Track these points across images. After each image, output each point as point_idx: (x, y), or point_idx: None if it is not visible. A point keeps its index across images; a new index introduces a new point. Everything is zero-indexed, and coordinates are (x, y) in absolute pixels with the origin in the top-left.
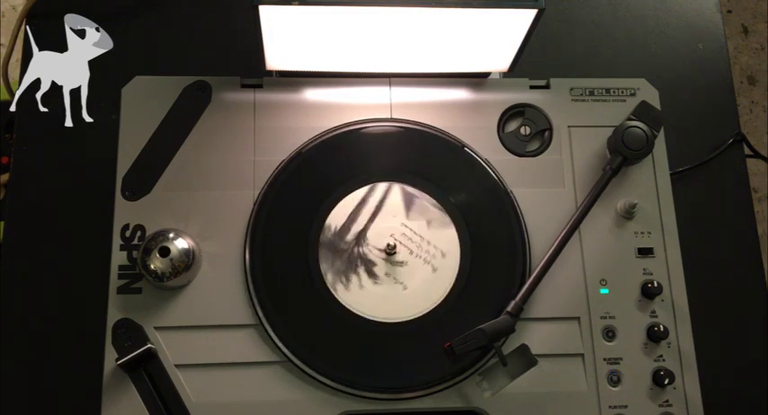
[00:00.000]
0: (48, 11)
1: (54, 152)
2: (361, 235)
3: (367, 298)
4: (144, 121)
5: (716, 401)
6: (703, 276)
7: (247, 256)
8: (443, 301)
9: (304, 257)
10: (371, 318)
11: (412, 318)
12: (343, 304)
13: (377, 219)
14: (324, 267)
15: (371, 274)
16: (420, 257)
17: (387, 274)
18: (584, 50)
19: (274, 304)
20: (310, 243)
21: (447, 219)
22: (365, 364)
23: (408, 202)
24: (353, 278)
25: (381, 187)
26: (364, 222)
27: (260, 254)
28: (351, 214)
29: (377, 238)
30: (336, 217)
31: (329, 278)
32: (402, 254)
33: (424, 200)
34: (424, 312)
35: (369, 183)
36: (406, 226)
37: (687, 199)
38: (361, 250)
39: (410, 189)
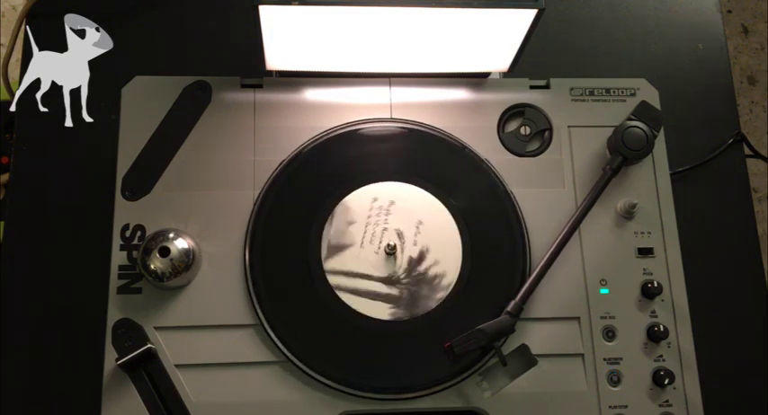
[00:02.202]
0: (48, 11)
1: (54, 152)
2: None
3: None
4: (144, 121)
5: (716, 401)
6: (703, 276)
7: (247, 256)
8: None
9: (304, 257)
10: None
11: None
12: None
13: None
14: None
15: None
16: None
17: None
18: (585, 50)
19: (274, 304)
20: (310, 243)
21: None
22: (365, 364)
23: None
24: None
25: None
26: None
27: (260, 254)
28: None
29: (377, 238)
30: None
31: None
32: (402, 254)
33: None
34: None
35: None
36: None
37: (687, 199)
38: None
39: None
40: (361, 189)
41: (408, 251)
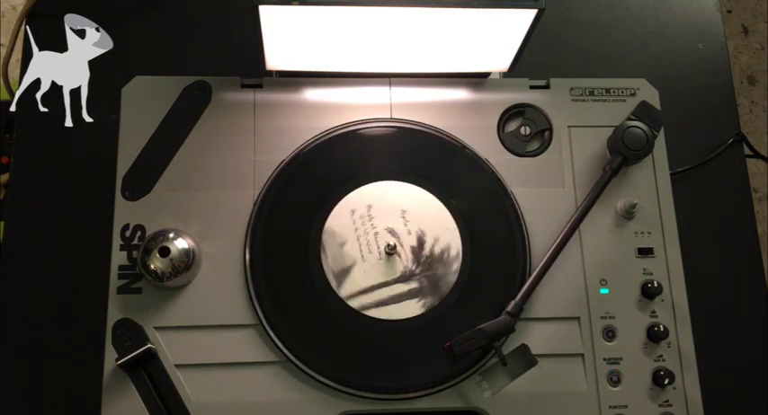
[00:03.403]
0: (48, 11)
1: (54, 152)
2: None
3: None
4: (144, 121)
5: (716, 401)
6: (703, 276)
7: (247, 256)
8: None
9: (304, 257)
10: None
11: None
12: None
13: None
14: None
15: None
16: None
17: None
18: (585, 50)
19: (274, 304)
20: (310, 243)
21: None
22: (365, 364)
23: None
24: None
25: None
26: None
27: (260, 254)
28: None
29: (377, 238)
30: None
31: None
32: (401, 254)
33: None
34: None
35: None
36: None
37: (687, 199)
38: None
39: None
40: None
41: (408, 242)
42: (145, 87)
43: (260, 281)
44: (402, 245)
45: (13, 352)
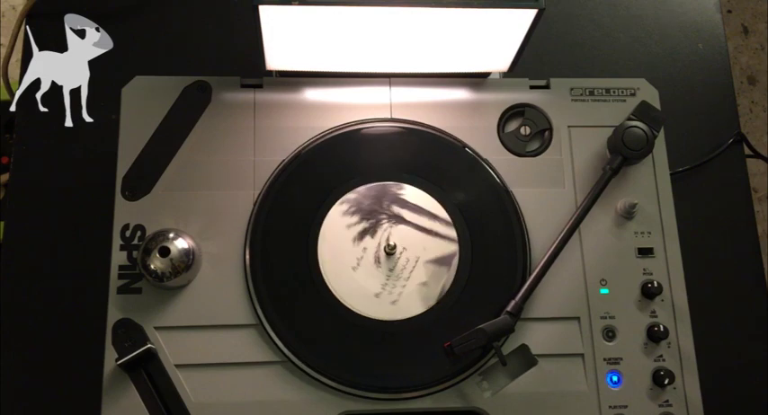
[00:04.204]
0: (48, 11)
1: (54, 152)
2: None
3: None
4: (144, 121)
5: (716, 401)
6: (703, 276)
7: (247, 256)
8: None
9: (304, 257)
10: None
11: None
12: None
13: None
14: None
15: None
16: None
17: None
18: (584, 50)
19: (274, 303)
20: (310, 243)
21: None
22: (365, 364)
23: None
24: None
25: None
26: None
27: (260, 254)
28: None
29: (377, 238)
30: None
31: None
32: (401, 254)
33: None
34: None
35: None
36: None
37: (687, 199)
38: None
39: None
40: (361, 187)
41: (407, 242)
42: (145, 87)
43: (260, 281)
44: (402, 245)
45: (12, 352)
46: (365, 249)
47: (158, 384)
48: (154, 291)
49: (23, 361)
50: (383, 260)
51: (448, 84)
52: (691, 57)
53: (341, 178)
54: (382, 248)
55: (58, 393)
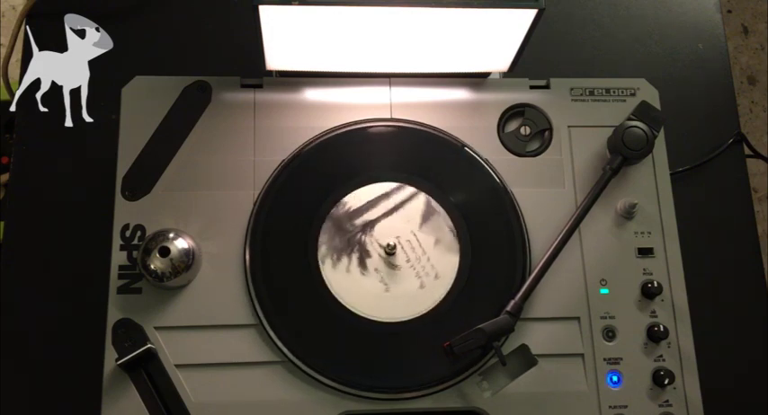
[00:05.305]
0: (48, 11)
1: (54, 152)
2: (362, 235)
3: (367, 298)
4: (144, 121)
5: (716, 401)
6: (703, 276)
7: (247, 256)
8: (443, 301)
9: (304, 257)
10: (371, 318)
11: (412, 318)
12: (344, 304)
13: (378, 219)
14: (324, 266)
15: (371, 273)
16: (419, 257)
17: (386, 274)
18: (584, 50)
19: (274, 304)
20: (310, 243)
21: (447, 219)
22: (365, 364)
23: (409, 202)
24: (353, 278)
25: (382, 186)
26: (365, 222)
27: (260, 254)
28: (351, 214)
29: (377, 238)
30: (337, 217)
31: (329, 277)
32: (401, 254)
33: (425, 200)
34: (424, 311)
35: (369, 183)
36: (406, 226)
37: (687, 199)
38: (362, 251)
39: (411, 188)
40: (362, 188)
41: (407, 242)
42: (145, 87)
43: (260, 281)
44: (402, 245)
45: (12, 352)
46: (365, 249)
47: (158, 384)
48: (154, 291)
49: (23, 361)
50: (383, 261)
51: (448, 84)
52: (691, 57)
53: (341, 178)
54: (382, 248)
55: (58, 393)
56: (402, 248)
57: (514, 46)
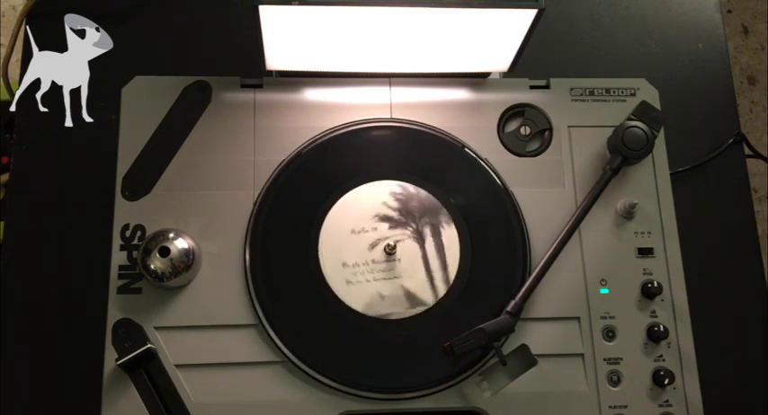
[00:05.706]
0: (48, 11)
1: (54, 152)
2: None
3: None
4: (144, 121)
5: (716, 401)
6: (703, 276)
7: (247, 256)
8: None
9: (304, 257)
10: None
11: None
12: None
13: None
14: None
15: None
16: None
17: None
18: (585, 50)
19: (274, 304)
20: (310, 243)
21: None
22: (365, 364)
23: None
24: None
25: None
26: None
27: (260, 254)
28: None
29: (377, 238)
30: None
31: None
32: (401, 254)
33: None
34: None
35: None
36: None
37: (687, 199)
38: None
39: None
40: (361, 186)
41: (407, 242)
42: (145, 87)
43: (260, 281)
44: (402, 245)
45: (12, 352)
46: (365, 249)
47: (158, 384)
48: (154, 291)
49: (23, 360)
50: (383, 260)
51: (448, 84)
52: (691, 57)
53: (340, 178)
54: (382, 248)
55: (58, 393)
56: (402, 248)
57: (514, 46)
